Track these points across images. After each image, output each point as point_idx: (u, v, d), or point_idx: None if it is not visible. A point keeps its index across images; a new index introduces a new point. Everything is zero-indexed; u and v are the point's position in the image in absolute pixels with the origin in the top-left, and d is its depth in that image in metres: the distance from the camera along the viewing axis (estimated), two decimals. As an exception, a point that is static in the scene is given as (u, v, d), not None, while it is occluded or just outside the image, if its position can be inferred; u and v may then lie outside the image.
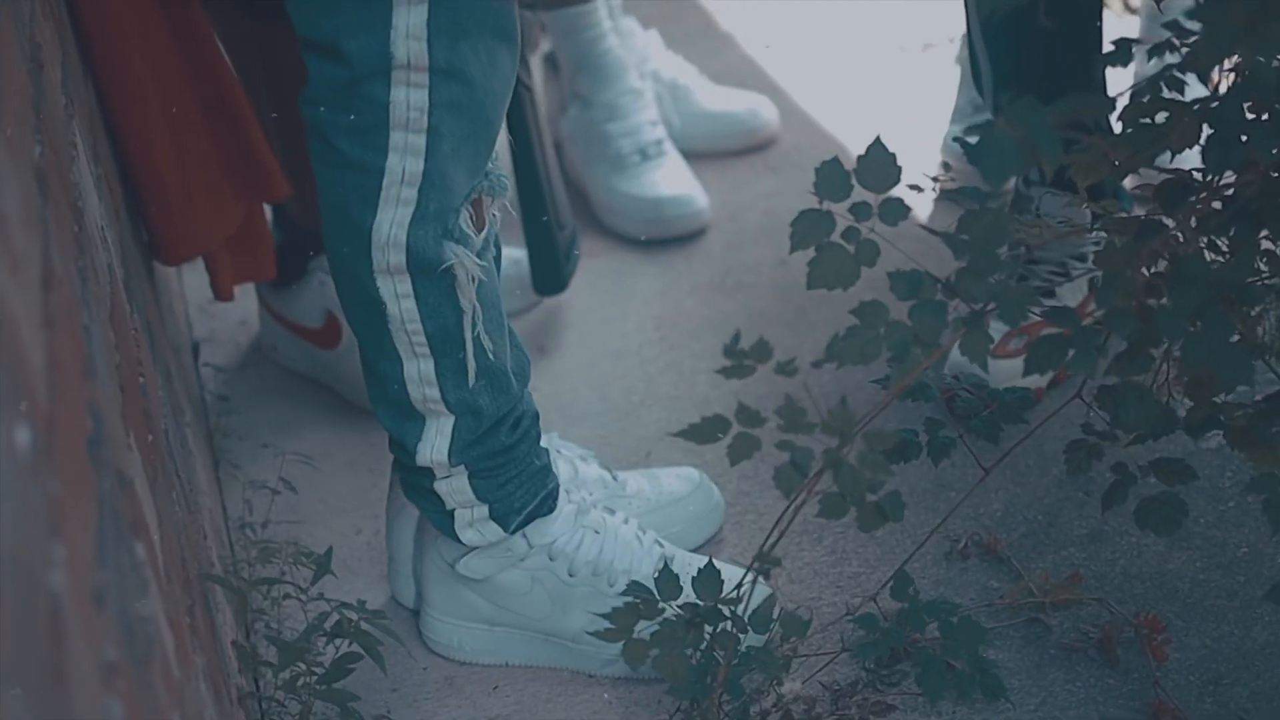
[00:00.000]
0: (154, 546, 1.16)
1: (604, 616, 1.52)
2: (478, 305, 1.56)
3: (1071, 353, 1.18)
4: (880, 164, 1.26)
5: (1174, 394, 1.42)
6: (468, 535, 1.66)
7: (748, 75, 2.67)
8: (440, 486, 1.64)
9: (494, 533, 1.66)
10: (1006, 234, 1.14)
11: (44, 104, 1.28)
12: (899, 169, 1.26)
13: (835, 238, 1.26)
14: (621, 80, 2.39)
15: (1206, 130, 1.28)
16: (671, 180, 2.35)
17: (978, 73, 1.93)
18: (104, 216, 1.54)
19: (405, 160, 1.49)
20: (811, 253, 1.31)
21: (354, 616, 1.44)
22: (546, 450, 1.69)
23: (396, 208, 1.51)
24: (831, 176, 1.25)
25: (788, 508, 1.26)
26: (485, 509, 1.65)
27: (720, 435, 1.26)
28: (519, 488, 1.65)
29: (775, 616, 1.53)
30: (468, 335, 1.56)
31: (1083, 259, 1.93)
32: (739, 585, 1.42)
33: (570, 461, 1.79)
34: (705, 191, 2.38)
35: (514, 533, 1.66)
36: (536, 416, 1.69)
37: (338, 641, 1.47)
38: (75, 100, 1.51)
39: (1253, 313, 1.30)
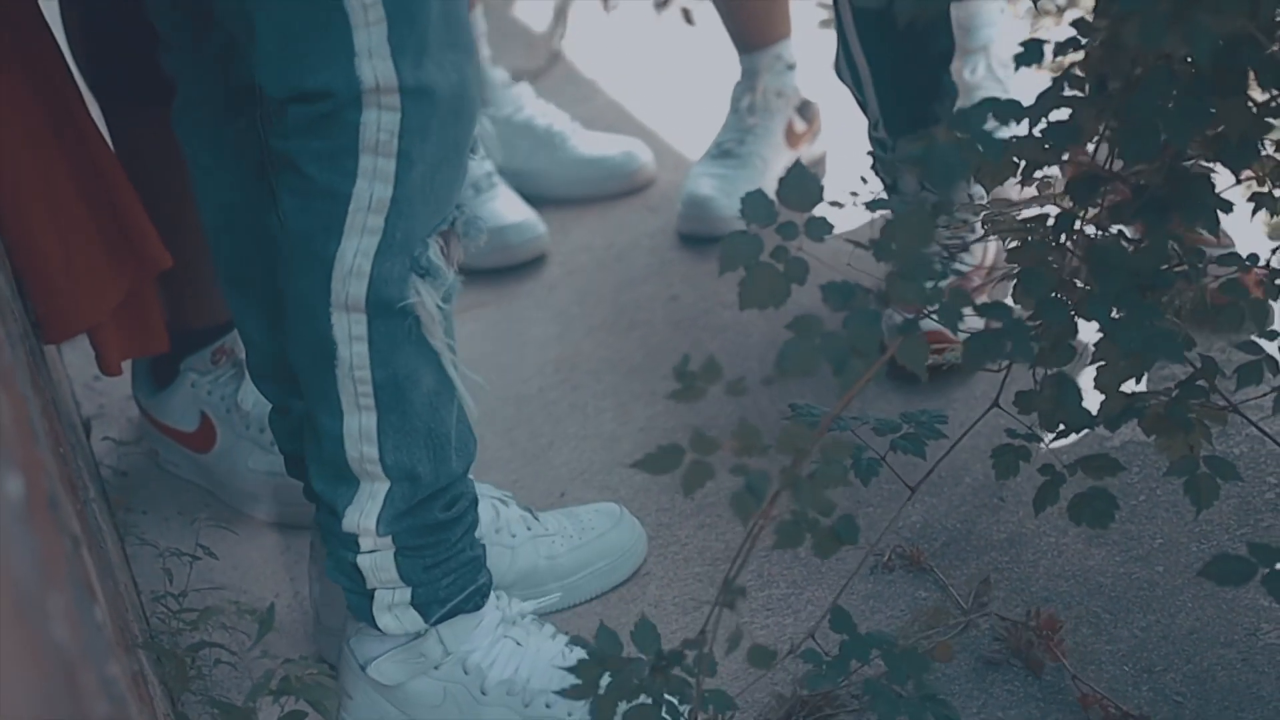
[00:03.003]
0: (105, 611, 1.14)
1: (568, 670, 1.39)
2: (447, 347, 1.52)
3: (1009, 345, 1.20)
4: (802, 184, 1.27)
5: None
6: (385, 620, 1.58)
7: (617, 120, 2.69)
8: (364, 561, 1.57)
9: (413, 622, 1.59)
10: (932, 237, 1.16)
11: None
12: (821, 188, 1.27)
13: (764, 257, 1.27)
14: None
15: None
16: (509, 209, 2.40)
17: (858, 81, 2.04)
18: (8, 289, 1.51)
19: (374, 186, 1.46)
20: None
21: (299, 673, 1.42)
22: (483, 545, 1.64)
23: (362, 236, 1.47)
24: (756, 203, 1.27)
25: (747, 535, 1.26)
26: (407, 592, 1.58)
27: (676, 464, 1.25)
28: (446, 575, 1.59)
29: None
30: (435, 384, 1.53)
31: (971, 230, 2.04)
32: (706, 622, 1.40)
33: (491, 504, 1.79)
34: (590, 234, 2.40)
35: (435, 623, 1.59)
36: (475, 503, 1.63)
37: (283, 700, 1.45)
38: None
39: (1165, 298, 1.33)
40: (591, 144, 2.53)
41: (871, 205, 1.25)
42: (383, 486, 1.54)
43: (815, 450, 1.20)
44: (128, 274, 1.88)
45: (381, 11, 1.41)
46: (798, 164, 1.29)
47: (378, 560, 1.57)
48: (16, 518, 0.70)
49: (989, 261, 2.10)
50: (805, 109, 2.47)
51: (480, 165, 2.41)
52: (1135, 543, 1.75)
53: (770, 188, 2.30)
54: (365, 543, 1.56)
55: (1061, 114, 1.32)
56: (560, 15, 2.97)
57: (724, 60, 2.72)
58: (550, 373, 2.18)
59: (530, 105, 2.55)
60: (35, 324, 1.84)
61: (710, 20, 2.87)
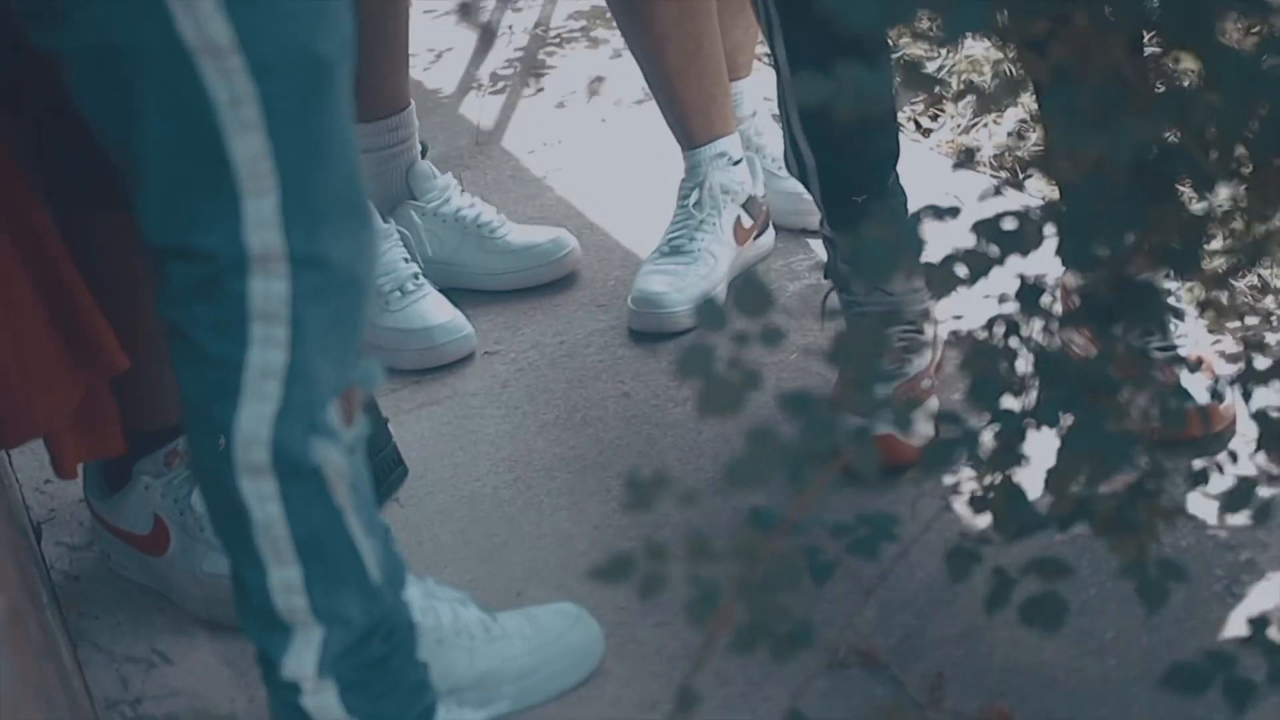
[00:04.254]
0: (69, 727, 1.14)
1: None
2: (352, 504, 1.51)
3: (963, 454, 1.22)
4: (754, 292, 1.30)
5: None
6: None
7: (564, 216, 2.72)
8: (308, 703, 1.56)
9: None
10: (885, 346, 1.19)
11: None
12: (771, 296, 1.30)
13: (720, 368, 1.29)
14: None
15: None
16: (436, 310, 2.42)
17: (804, 174, 2.12)
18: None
19: (267, 353, 1.44)
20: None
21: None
22: (424, 665, 1.64)
23: (260, 403, 1.45)
24: (709, 311, 1.29)
25: (705, 643, 1.26)
26: None
27: (628, 573, 1.26)
28: (392, 702, 1.59)
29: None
30: (355, 533, 1.51)
31: (926, 314, 2.12)
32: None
33: (450, 606, 1.79)
34: (540, 331, 2.43)
35: None
36: (412, 628, 1.63)
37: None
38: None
39: (1114, 402, 1.36)
40: (519, 234, 2.57)
41: (824, 313, 1.27)
42: (317, 633, 1.54)
43: (768, 558, 1.22)
44: (84, 377, 1.88)
45: (274, 180, 1.39)
46: (749, 272, 1.32)
47: (321, 701, 1.56)
48: (4, 636, 0.71)
49: (939, 361, 2.13)
50: (750, 204, 2.50)
51: (407, 268, 2.44)
52: (1088, 636, 1.77)
53: (721, 284, 2.37)
54: (307, 686, 1.56)
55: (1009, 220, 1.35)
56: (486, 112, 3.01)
57: (672, 155, 2.75)
58: (504, 471, 2.19)
59: (457, 197, 2.58)
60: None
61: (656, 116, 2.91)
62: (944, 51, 2.75)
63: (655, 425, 2.23)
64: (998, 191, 1.37)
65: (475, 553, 2.06)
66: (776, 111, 2.80)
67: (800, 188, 2.53)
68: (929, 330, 2.10)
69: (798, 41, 2.04)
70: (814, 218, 2.53)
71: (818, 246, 2.51)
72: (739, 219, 2.48)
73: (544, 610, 1.86)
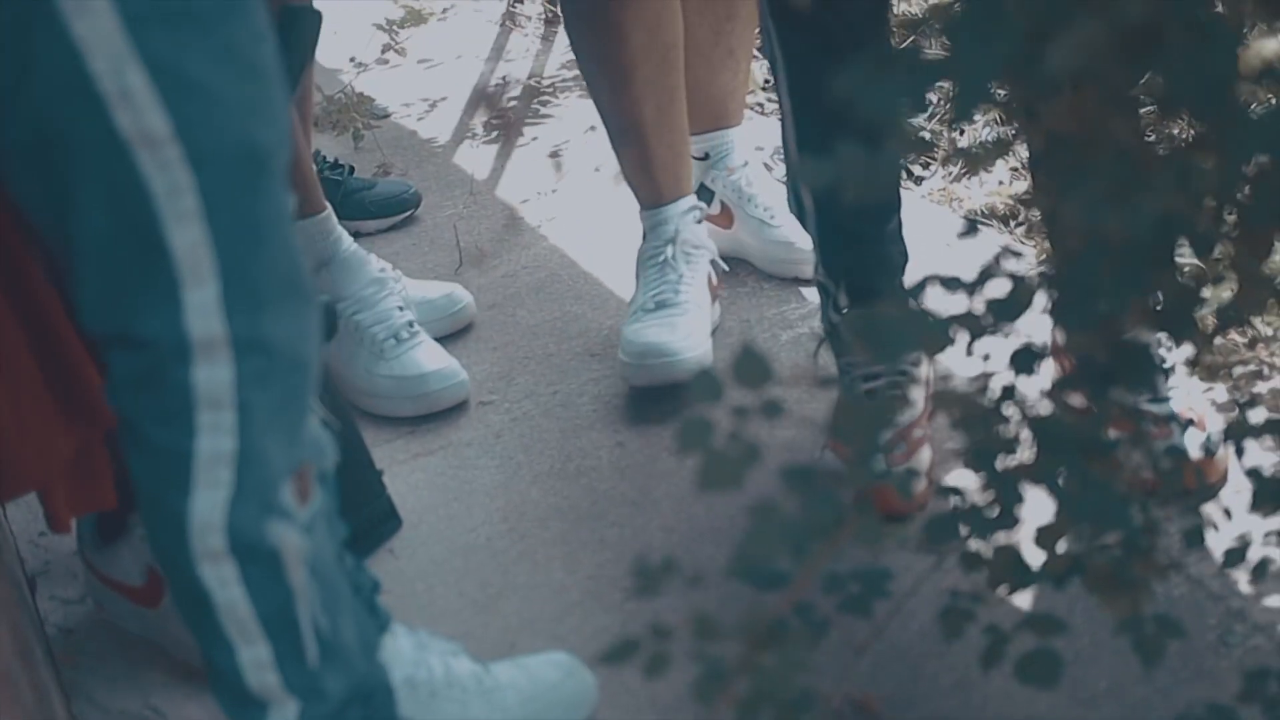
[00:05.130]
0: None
1: None
2: (309, 585, 1.50)
3: (966, 529, 1.23)
4: (752, 364, 1.31)
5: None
6: None
7: (559, 267, 2.73)
8: None
9: None
10: (888, 419, 1.20)
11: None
12: (770, 369, 1.31)
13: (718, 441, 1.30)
14: (365, 272, 2.48)
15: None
16: (431, 357, 2.43)
17: (801, 210, 2.14)
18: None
19: (216, 440, 1.43)
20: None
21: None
22: None
23: (212, 490, 1.44)
24: (705, 383, 1.30)
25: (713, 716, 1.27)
26: None
27: (633, 654, 1.27)
28: None
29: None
30: (302, 618, 1.51)
31: (917, 363, 2.12)
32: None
33: (442, 658, 1.79)
34: (534, 381, 2.43)
35: None
36: (389, 691, 1.64)
37: None
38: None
39: (1109, 464, 1.37)
40: (413, 288, 2.58)
41: (822, 382, 1.28)
42: (292, 707, 1.54)
43: (769, 628, 1.23)
44: (78, 431, 1.88)
45: (213, 267, 1.39)
46: (749, 346, 1.33)
47: None
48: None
49: (931, 410, 2.14)
50: (714, 263, 2.47)
51: (401, 316, 2.46)
52: (1081, 687, 1.78)
53: (709, 336, 2.35)
54: None
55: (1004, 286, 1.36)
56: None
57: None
58: (498, 521, 2.20)
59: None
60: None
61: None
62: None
63: (649, 475, 2.24)
64: (998, 260, 1.38)
65: (469, 604, 2.06)
66: (768, 160, 2.84)
67: (792, 237, 2.55)
68: (919, 379, 2.11)
69: (802, 86, 2.05)
70: (806, 267, 2.54)
71: (810, 295, 2.53)
72: (709, 275, 2.45)
73: (537, 661, 1.86)
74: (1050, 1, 1.01)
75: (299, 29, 1.82)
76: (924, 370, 2.14)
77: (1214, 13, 0.99)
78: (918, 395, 2.10)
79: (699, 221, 2.45)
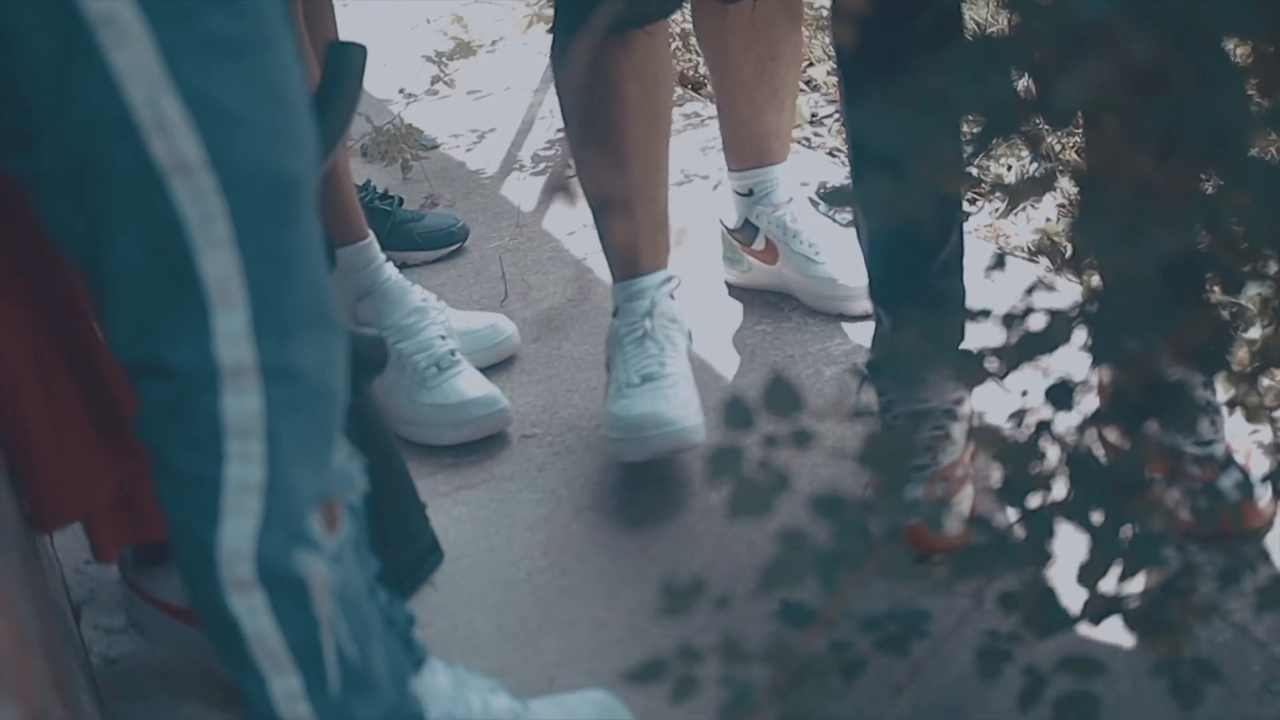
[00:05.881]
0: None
1: None
2: (335, 615, 1.50)
3: (994, 560, 1.22)
4: (782, 393, 1.30)
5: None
6: None
7: (596, 294, 2.73)
8: None
9: None
10: (916, 450, 1.19)
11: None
12: (800, 398, 1.30)
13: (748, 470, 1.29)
14: (407, 301, 2.49)
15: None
16: (472, 385, 2.43)
17: (859, 229, 2.15)
18: (5, 487, 1.54)
19: (245, 469, 1.43)
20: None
21: None
22: None
23: (240, 519, 1.44)
24: (736, 411, 1.30)
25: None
26: None
27: (660, 675, 1.26)
28: None
29: None
30: (325, 647, 1.50)
31: (960, 402, 2.09)
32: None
33: (480, 695, 1.79)
34: (577, 414, 2.44)
35: None
36: (421, 716, 1.63)
37: None
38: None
39: (1144, 500, 1.36)
40: (457, 319, 2.59)
41: (856, 413, 1.28)
42: None
43: (801, 659, 1.22)
44: (122, 462, 1.90)
45: (243, 294, 1.39)
46: (778, 376, 1.32)
47: None
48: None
49: (973, 450, 2.12)
50: (690, 336, 2.41)
51: (443, 345, 2.47)
52: (1122, 730, 1.76)
53: (700, 409, 2.30)
54: None
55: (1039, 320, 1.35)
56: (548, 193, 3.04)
57: (713, 239, 2.76)
58: (538, 555, 2.19)
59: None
60: (29, 514, 1.85)
61: (697, 199, 2.93)
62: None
63: (690, 510, 2.23)
64: (1031, 294, 1.37)
65: (508, 638, 2.06)
66: (813, 195, 2.83)
67: (837, 273, 2.54)
68: (961, 418, 2.10)
69: (855, 105, 2.06)
70: (851, 303, 2.54)
71: (852, 332, 2.52)
72: (688, 347, 2.38)
73: (576, 697, 1.86)
74: (1056, 39, 1.00)
75: (345, 63, 1.83)
76: (966, 408, 2.13)
77: (1221, 54, 0.98)
78: (959, 434, 2.08)
79: (673, 296, 2.36)
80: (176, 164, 1.35)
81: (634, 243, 2.32)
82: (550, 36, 2.33)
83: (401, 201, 2.93)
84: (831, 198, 1.15)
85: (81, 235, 1.41)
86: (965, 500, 2.03)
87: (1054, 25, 1.01)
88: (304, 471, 1.46)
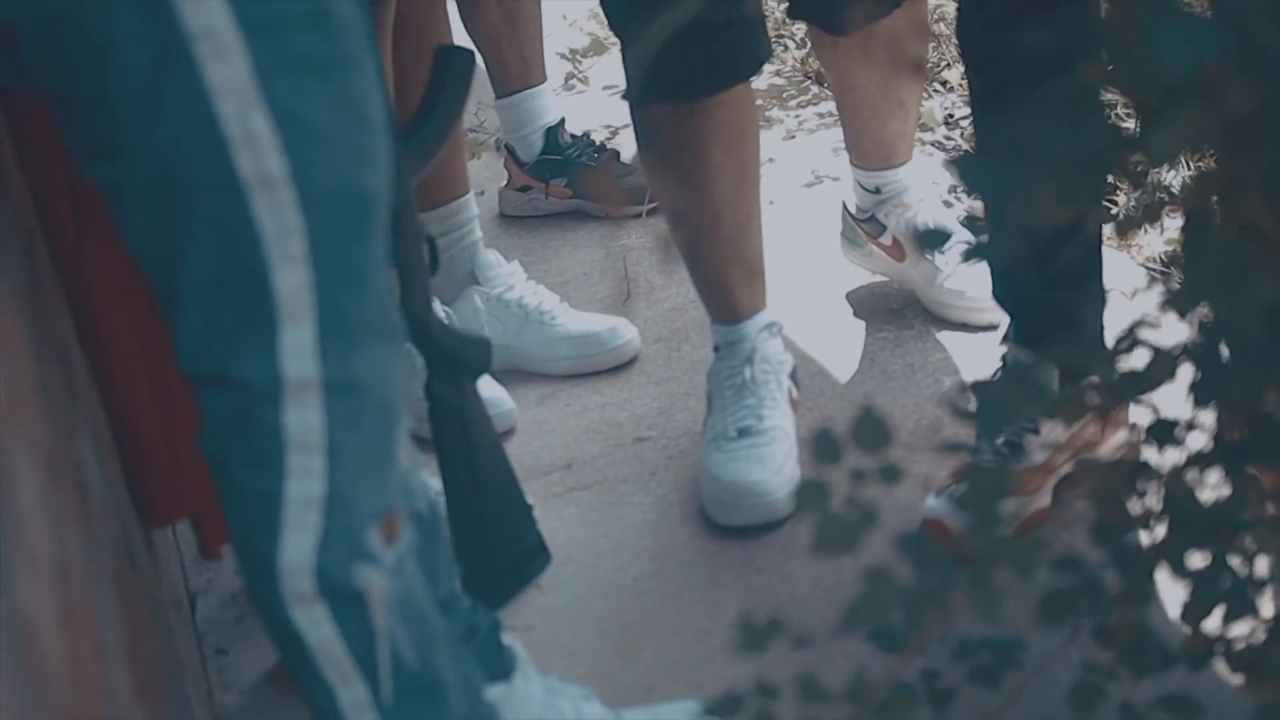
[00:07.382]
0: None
1: None
2: (395, 625, 1.50)
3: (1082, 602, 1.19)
4: (872, 427, 1.28)
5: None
6: None
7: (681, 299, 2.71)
8: None
9: None
10: (1006, 488, 1.17)
11: (47, 386, 1.30)
12: (889, 433, 1.28)
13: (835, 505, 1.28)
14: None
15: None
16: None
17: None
18: (104, 486, 1.56)
19: (305, 484, 1.44)
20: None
21: None
22: None
23: (301, 534, 1.45)
24: (824, 444, 1.28)
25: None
26: None
27: (737, 710, 1.25)
28: None
29: None
30: (381, 659, 1.50)
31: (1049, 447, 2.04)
32: None
33: (573, 703, 1.79)
34: (692, 418, 2.43)
35: None
36: None
37: None
38: (74, 377, 1.53)
39: (1246, 544, 1.32)
40: (578, 321, 2.62)
41: (950, 447, 1.25)
42: None
43: (887, 688, 1.21)
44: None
45: (311, 311, 1.40)
46: (868, 409, 1.30)
47: None
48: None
49: (1061, 439, 2.06)
50: (794, 374, 2.37)
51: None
52: (1227, 769, 1.71)
53: (797, 462, 2.28)
54: None
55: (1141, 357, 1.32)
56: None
57: (835, 242, 2.73)
58: (645, 561, 2.19)
59: (521, 285, 2.65)
60: (138, 509, 1.88)
61: (825, 200, 2.90)
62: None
63: (797, 520, 2.21)
64: (1133, 330, 1.34)
65: (610, 644, 2.05)
66: (947, 197, 2.79)
67: (963, 285, 2.50)
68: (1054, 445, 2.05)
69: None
70: (975, 314, 2.50)
71: (976, 342, 2.48)
72: (790, 390, 2.34)
73: (670, 709, 1.85)
74: (1150, 87, 0.97)
75: (451, 68, 1.84)
76: (1050, 427, 2.06)
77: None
78: (1045, 437, 2.04)
79: (776, 336, 2.34)
80: (260, 179, 1.36)
81: (730, 291, 2.29)
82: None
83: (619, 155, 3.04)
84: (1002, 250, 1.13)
85: (158, 245, 1.42)
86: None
87: (1146, 75, 0.98)
88: (364, 486, 1.47)
